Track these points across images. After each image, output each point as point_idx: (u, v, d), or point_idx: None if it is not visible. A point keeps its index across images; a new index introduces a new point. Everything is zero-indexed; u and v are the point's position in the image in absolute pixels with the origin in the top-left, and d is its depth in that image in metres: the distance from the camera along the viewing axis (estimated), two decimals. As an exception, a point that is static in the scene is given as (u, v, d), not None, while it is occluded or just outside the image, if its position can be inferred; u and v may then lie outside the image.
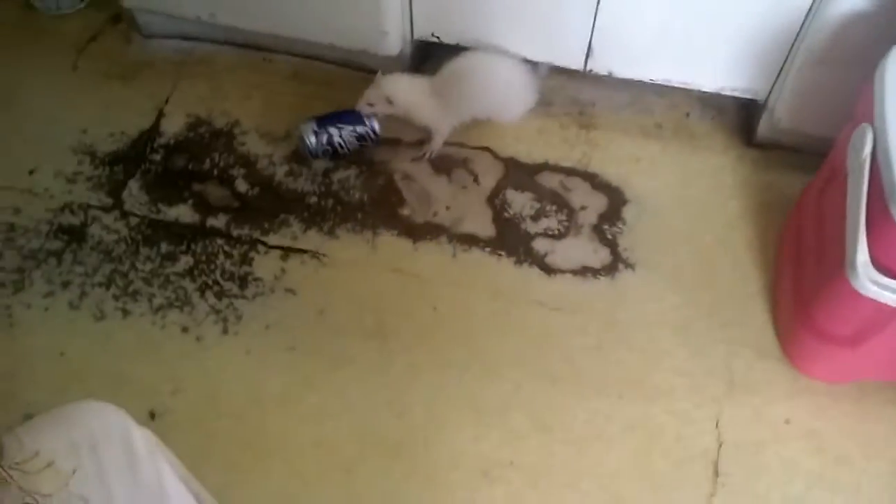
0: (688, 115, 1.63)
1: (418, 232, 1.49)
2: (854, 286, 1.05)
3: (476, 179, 1.56)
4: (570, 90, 1.67)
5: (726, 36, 1.41)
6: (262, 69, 1.73)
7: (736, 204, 1.52)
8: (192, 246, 1.48)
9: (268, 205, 1.53)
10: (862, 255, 1.04)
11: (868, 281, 1.04)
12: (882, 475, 1.26)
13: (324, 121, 1.54)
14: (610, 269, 1.45)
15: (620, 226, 1.50)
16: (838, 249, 1.11)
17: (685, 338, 1.37)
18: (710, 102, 1.64)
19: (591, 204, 1.53)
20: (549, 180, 1.56)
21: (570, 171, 1.57)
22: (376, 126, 1.54)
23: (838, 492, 1.24)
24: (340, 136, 1.53)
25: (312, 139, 1.52)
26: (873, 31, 1.24)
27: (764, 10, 1.34)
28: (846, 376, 1.30)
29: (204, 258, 1.46)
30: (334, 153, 1.54)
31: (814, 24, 1.31)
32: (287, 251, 1.47)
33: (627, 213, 1.51)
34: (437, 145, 1.56)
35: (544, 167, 1.57)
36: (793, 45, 1.38)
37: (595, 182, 1.55)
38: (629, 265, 1.45)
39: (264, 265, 1.45)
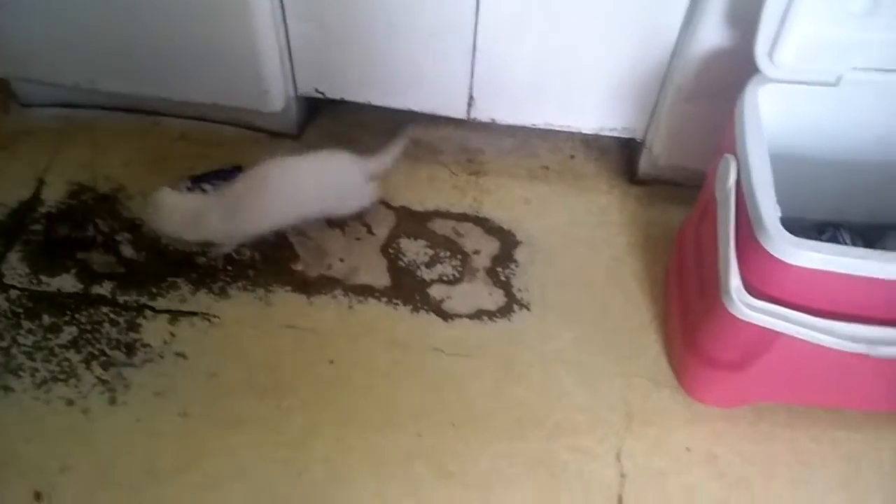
0: (572, 156, 1.68)
1: (312, 286, 1.48)
2: (730, 311, 1.08)
3: (369, 230, 1.56)
4: (457, 138, 1.69)
5: (600, 79, 1.46)
6: (148, 133, 1.70)
7: (623, 240, 1.56)
8: (77, 316, 1.42)
9: (155, 268, 1.49)
10: (734, 280, 1.07)
11: (742, 305, 1.07)
12: (782, 496, 1.28)
13: (198, 179, 1.53)
14: (505, 311, 1.46)
15: (513, 267, 1.51)
16: (716, 278, 1.14)
17: (582, 374, 1.38)
18: (593, 144, 1.69)
19: (483, 248, 1.54)
20: (442, 227, 1.57)
21: (461, 217, 1.58)
22: None
23: (740, 515, 1.26)
24: (209, 186, 1.51)
25: (181, 186, 1.51)
26: (733, 65, 1.29)
27: (632, 51, 1.40)
28: (739, 401, 1.33)
29: (89, 328, 1.41)
30: None
31: (678, 63, 1.37)
32: (176, 314, 1.43)
33: (519, 254, 1.53)
34: (224, 251, 1.51)
35: (436, 214, 1.58)
36: (662, 83, 1.44)
37: (487, 226, 1.57)
38: (524, 305, 1.46)
39: (152, 330, 1.41)
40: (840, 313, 1.06)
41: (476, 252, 1.53)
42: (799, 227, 1.36)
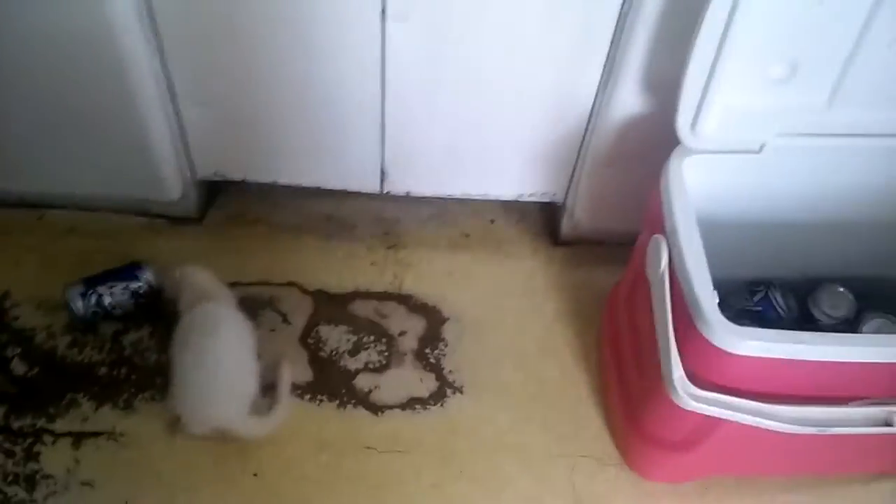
0: (492, 221, 1.62)
1: (228, 389, 1.37)
2: (675, 402, 1.03)
3: (285, 319, 1.45)
4: (371, 209, 1.61)
5: (515, 147, 1.41)
6: (33, 228, 1.55)
7: (552, 307, 1.50)
8: (-35, 448, 1.28)
9: (51, 385, 1.35)
10: (677, 370, 1.02)
11: (687, 396, 1.02)
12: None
13: (92, 281, 1.40)
14: (438, 397, 1.38)
15: (442, 347, 1.44)
16: (654, 357, 1.09)
17: (524, 459, 1.32)
18: (513, 207, 1.63)
19: (409, 328, 1.46)
20: (363, 308, 1.48)
21: (383, 296, 1.50)
22: (151, 279, 1.42)
23: None
24: (111, 296, 1.39)
25: (79, 303, 1.38)
26: (653, 129, 1.25)
27: (547, 119, 1.35)
28: (687, 477, 1.28)
29: (-19, 462, 1.27)
30: (106, 315, 1.40)
31: (596, 129, 1.33)
32: (79, 437, 1.29)
33: (447, 332, 1.46)
34: None
35: (356, 295, 1.49)
36: (580, 149, 1.39)
37: (410, 304, 1.49)
38: (457, 389, 1.39)
39: (54, 458, 1.27)
40: (789, 396, 1.03)
41: (402, 333, 1.45)
42: (731, 287, 1.34)
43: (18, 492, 1.24)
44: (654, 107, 1.26)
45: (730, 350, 0.97)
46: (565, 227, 1.53)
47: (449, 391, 1.38)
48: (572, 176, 1.44)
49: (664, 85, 1.18)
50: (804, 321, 1.33)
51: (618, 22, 1.19)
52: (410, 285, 1.51)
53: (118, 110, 1.32)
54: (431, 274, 1.53)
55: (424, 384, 1.39)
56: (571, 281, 1.54)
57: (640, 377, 1.21)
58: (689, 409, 1.03)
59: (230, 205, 1.61)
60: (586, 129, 1.35)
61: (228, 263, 1.51)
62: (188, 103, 1.35)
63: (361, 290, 1.50)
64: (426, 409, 1.36)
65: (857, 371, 1.02)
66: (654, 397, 1.14)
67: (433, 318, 1.47)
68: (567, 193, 1.48)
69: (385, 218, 1.61)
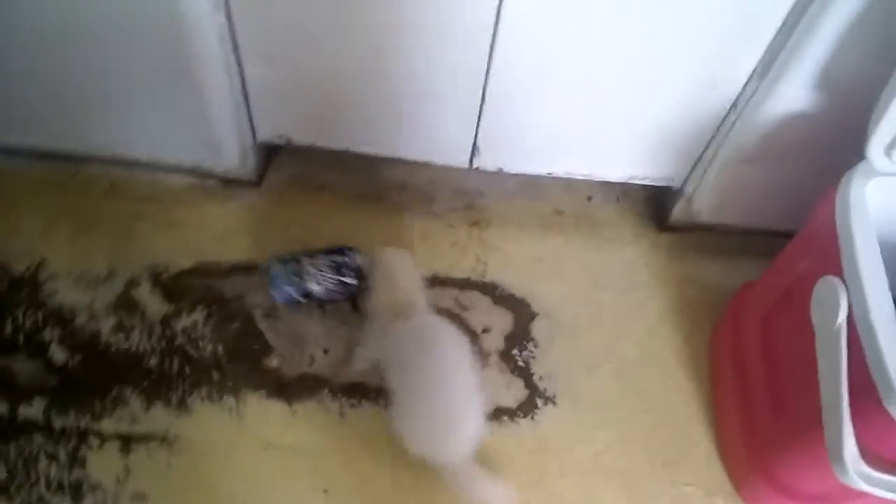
0: (590, 198, 1.42)
1: (293, 389, 1.21)
2: (841, 480, 0.87)
3: (355, 307, 1.29)
4: (454, 180, 1.41)
5: (633, 130, 1.20)
6: (69, 186, 1.37)
7: (656, 305, 1.32)
8: (5, 447, 1.14)
9: (95, 376, 1.20)
10: (849, 447, 0.86)
11: (858, 477, 0.86)
12: None
13: (293, 253, 1.26)
14: (527, 407, 1.22)
15: (532, 348, 1.27)
16: (804, 405, 0.93)
17: (624, 485, 1.17)
18: (614, 183, 1.42)
19: (494, 323, 1.29)
20: (443, 297, 1.31)
21: (464, 284, 1.32)
22: (357, 259, 1.25)
23: None
24: (312, 265, 1.23)
25: (277, 267, 1.23)
26: (816, 132, 1.05)
27: (678, 105, 1.15)
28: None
29: (21, 464, 1.13)
30: (307, 293, 1.24)
31: (742, 122, 1.11)
32: (127, 440, 1.15)
33: (537, 330, 1.29)
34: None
35: (434, 281, 1.32)
36: (713, 137, 1.18)
37: (495, 295, 1.32)
38: (548, 399, 1.23)
39: (101, 464, 1.13)
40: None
41: (486, 330, 1.28)
42: None
43: (64, 501, 1.11)
44: (824, 106, 1.05)
45: (925, 436, 0.80)
46: (678, 212, 1.34)
47: (540, 401, 1.23)
48: (698, 163, 1.24)
49: (841, 85, 0.98)
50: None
51: (793, 8, 0.96)
52: (495, 272, 1.34)
53: (176, 67, 1.12)
54: (519, 259, 1.35)
55: (512, 392, 1.24)
56: (680, 274, 1.35)
57: (776, 419, 1.04)
58: (857, 489, 0.87)
59: (291, 166, 1.42)
60: (724, 119, 1.14)
61: (286, 235, 1.35)
62: (252, 61, 1.14)
63: (440, 274, 1.33)
64: (514, 421, 1.21)
65: None
66: (798, 450, 0.98)
67: (521, 313, 1.30)
68: (686, 181, 1.28)
69: (467, 189, 1.41)
